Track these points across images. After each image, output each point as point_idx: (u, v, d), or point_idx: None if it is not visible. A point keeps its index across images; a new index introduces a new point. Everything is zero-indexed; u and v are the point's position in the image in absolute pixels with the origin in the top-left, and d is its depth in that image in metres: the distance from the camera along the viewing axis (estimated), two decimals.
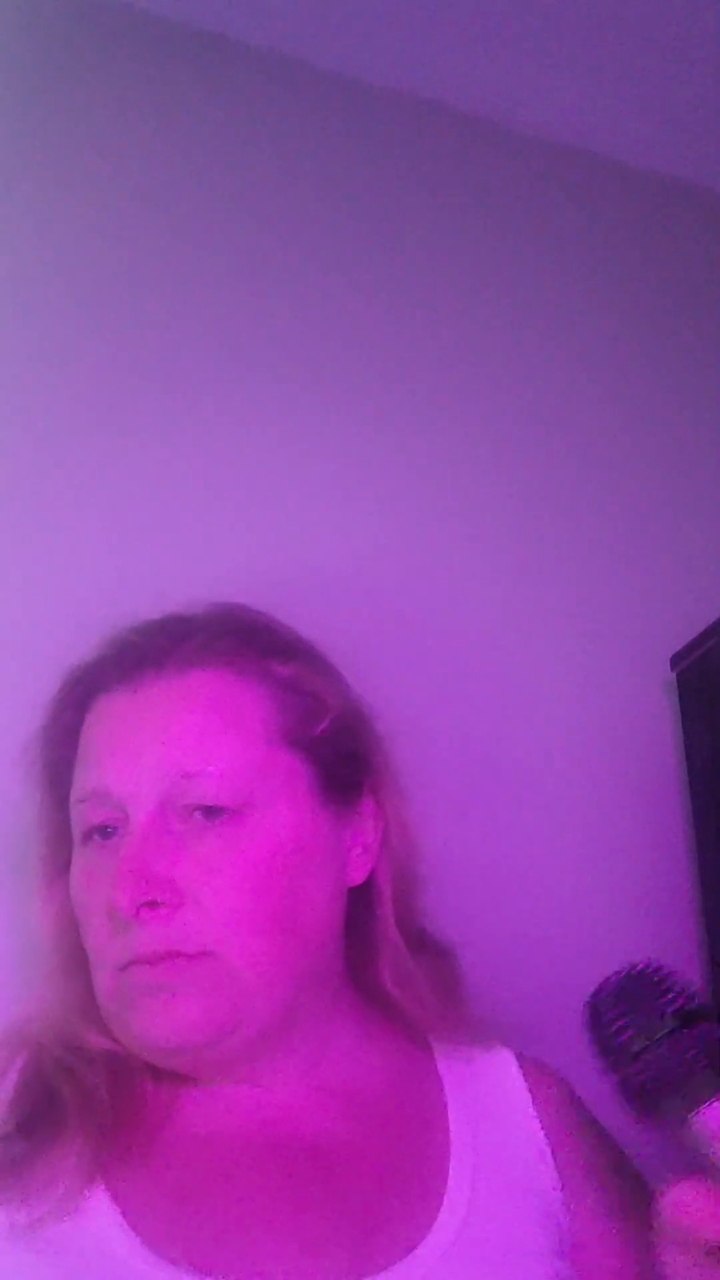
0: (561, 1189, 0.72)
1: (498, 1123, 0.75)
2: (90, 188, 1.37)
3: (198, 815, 0.73)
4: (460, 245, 1.55)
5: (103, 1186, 0.67)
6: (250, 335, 1.39)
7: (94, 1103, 0.71)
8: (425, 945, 0.84)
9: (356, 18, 1.50)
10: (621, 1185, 0.70)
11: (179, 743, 0.74)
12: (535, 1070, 0.80)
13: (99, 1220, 0.66)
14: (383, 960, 0.80)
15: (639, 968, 0.61)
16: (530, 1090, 0.77)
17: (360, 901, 0.81)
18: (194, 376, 1.34)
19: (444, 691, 1.30)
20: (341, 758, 0.79)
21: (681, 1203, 0.50)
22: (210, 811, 0.73)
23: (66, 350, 1.29)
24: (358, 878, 0.79)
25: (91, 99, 1.41)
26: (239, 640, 0.79)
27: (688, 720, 1.34)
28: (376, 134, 1.57)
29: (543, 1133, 0.75)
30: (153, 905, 0.70)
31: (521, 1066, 0.79)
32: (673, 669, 1.37)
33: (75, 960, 0.77)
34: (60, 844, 0.80)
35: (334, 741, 0.79)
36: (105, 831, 0.75)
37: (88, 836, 0.76)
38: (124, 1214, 0.66)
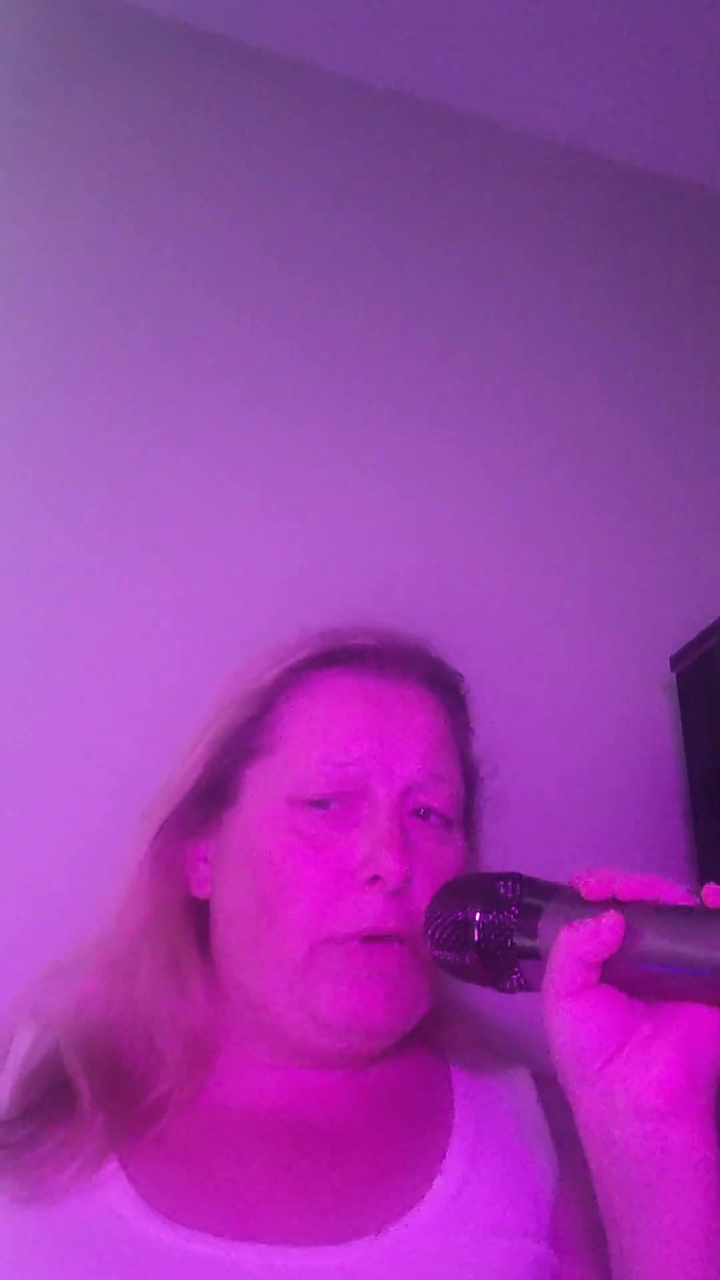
0: (556, 1195, 0.74)
1: (504, 1124, 0.77)
2: (90, 187, 1.37)
3: (418, 816, 0.78)
4: (460, 244, 1.55)
5: (114, 1157, 0.70)
6: (248, 335, 1.39)
7: (117, 1080, 0.73)
8: None
9: (357, 18, 1.50)
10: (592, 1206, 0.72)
11: (433, 745, 0.79)
12: (550, 1085, 0.81)
13: (109, 1188, 0.68)
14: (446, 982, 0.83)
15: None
16: (542, 1102, 0.79)
17: None
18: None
19: None
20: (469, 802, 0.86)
21: (568, 939, 0.59)
22: (427, 814, 0.78)
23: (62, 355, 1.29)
24: None
25: (91, 99, 1.41)
26: (456, 679, 0.87)
27: (688, 720, 1.34)
28: (377, 134, 1.57)
29: (552, 1142, 0.76)
30: (405, 883, 0.73)
31: (537, 1082, 0.81)
32: (673, 669, 1.37)
33: (172, 919, 0.79)
34: (203, 804, 0.81)
35: (471, 786, 0.86)
36: (324, 803, 0.76)
37: (305, 802, 0.77)
38: (133, 1181, 0.69)
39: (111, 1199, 0.68)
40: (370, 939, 0.73)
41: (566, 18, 1.51)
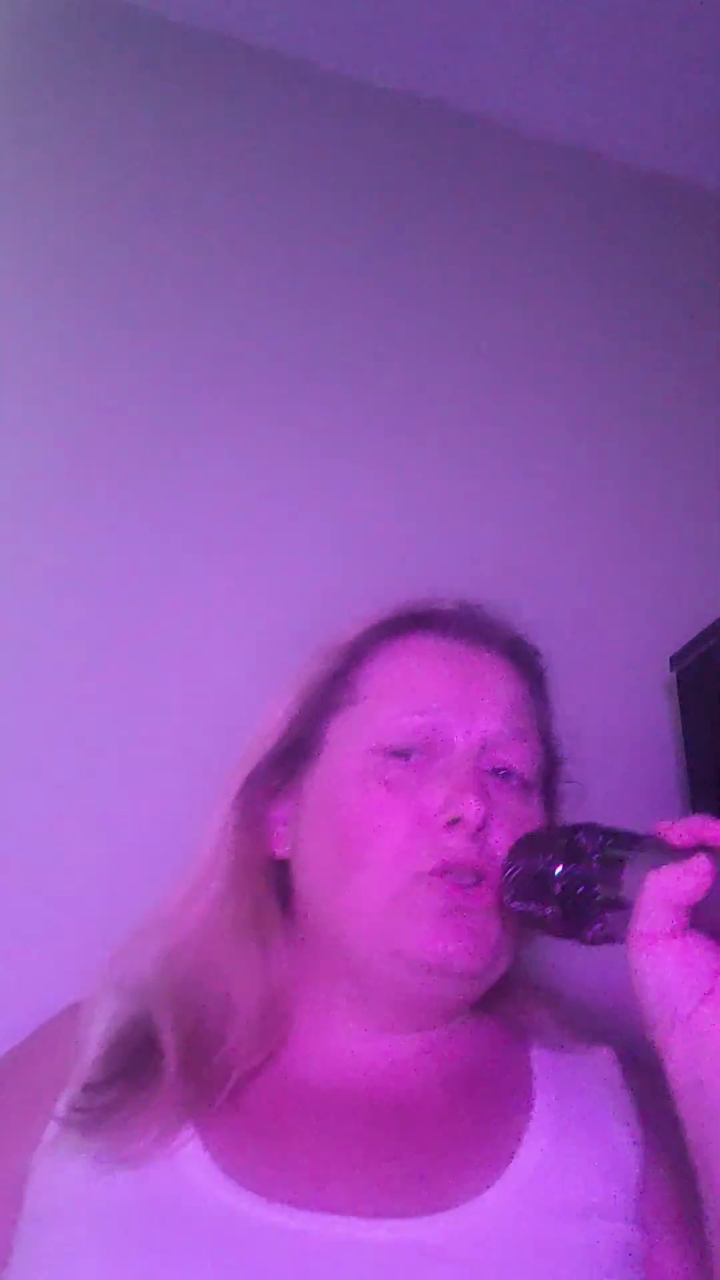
0: (643, 1174, 0.73)
1: (588, 1103, 0.77)
2: (89, 187, 1.37)
3: (496, 775, 0.80)
4: (460, 244, 1.56)
5: (191, 1125, 0.71)
6: (249, 332, 1.39)
7: (197, 1039, 0.74)
8: None
9: (356, 18, 1.50)
10: (687, 1188, 0.71)
11: (514, 707, 0.83)
12: (634, 1064, 0.81)
13: (186, 1155, 0.69)
14: (524, 955, 0.85)
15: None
16: (627, 1081, 0.79)
17: None
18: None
19: None
20: (549, 776, 0.89)
21: (657, 883, 0.61)
22: (507, 775, 0.80)
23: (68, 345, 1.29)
24: None
25: (92, 99, 1.41)
26: (535, 654, 0.91)
27: (688, 720, 1.34)
28: (377, 134, 1.57)
29: (636, 1120, 0.76)
30: (483, 826, 0.75)
31: (621, 1061, 0.81)
32: (673, 669, 1.37)
33: (255, 877, 0.81)
34: (285, 761, 0.83)
35: (550, 763, 0.89)
36: (405, 753, 0.79)
37: (386, 751, 0.79)
38: (209, 1148, 0.70)
39: (187, 1166, 0.69)
40: (454, 873, 0.75)
41: (566, 18, 1.51)
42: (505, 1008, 0.83)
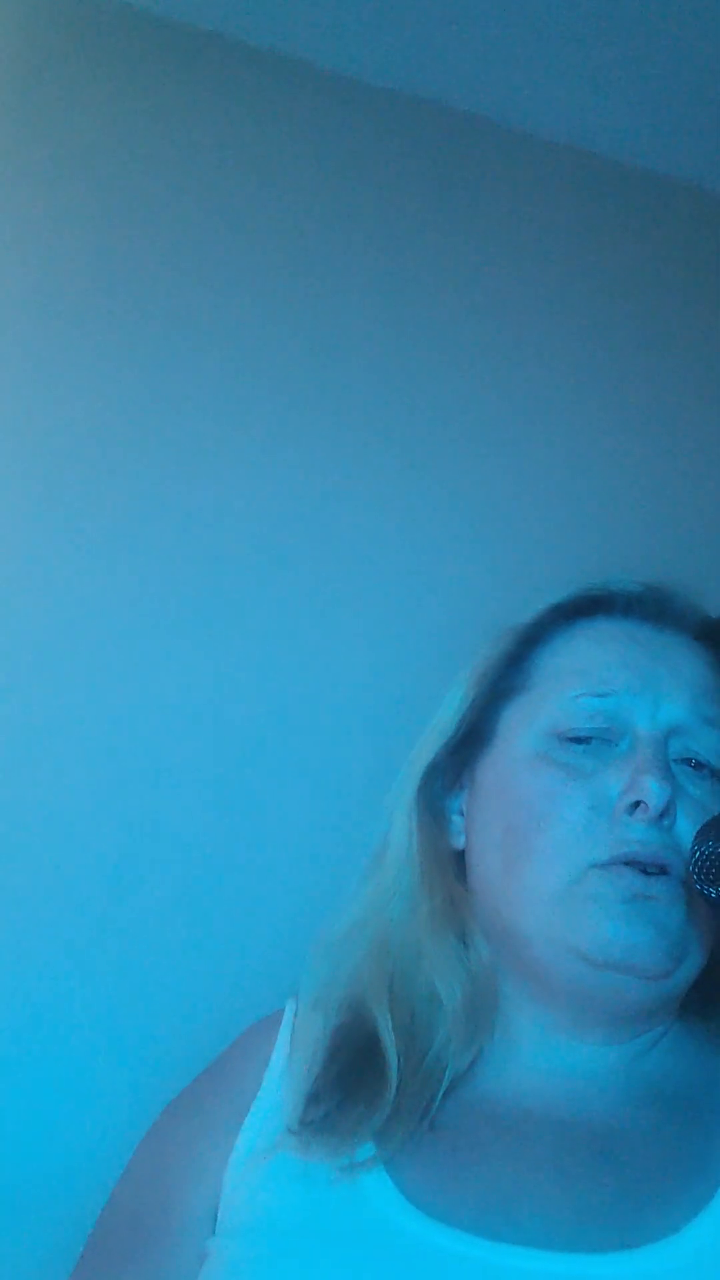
0: None
1: None
2: (89, 187, 1.37)
3: (684, 764, 0.74)
4: (460, 244, 1.55)
5: (373, 1145, 0.68)
6: (247, 332, 1.39)
7: (412, 1046, 0.71)
8: None
9: (356, 18, 1.50)
10: None
11: (703, 691, 0.76)
12: None
13: (368, 1176, 0.67)
14: None
15: None
16: None
17: None
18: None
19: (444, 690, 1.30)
20: None
21: None
22: (698, 765, 0.74)
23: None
24: None
25: (91, 98, 1.41)
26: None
27: None
28: (376, 134, 1.57)
29: None
30: (666, 812, 0.70)
31: None
32: None
33: (445, 867, 0.77)
34: (461, 749, 0.79)
35: None
36: (584, 739, 0.74)
37: (564, 738, 0.75)
38: (390, 1169, 0.67)
39: (370, 1188, 0.66)
40: (634, 865, 0.70)
41: (566, 18, 1.50)
42: (708, 1014, 0.77)
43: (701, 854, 0.65)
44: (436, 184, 1.57)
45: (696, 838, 0.67)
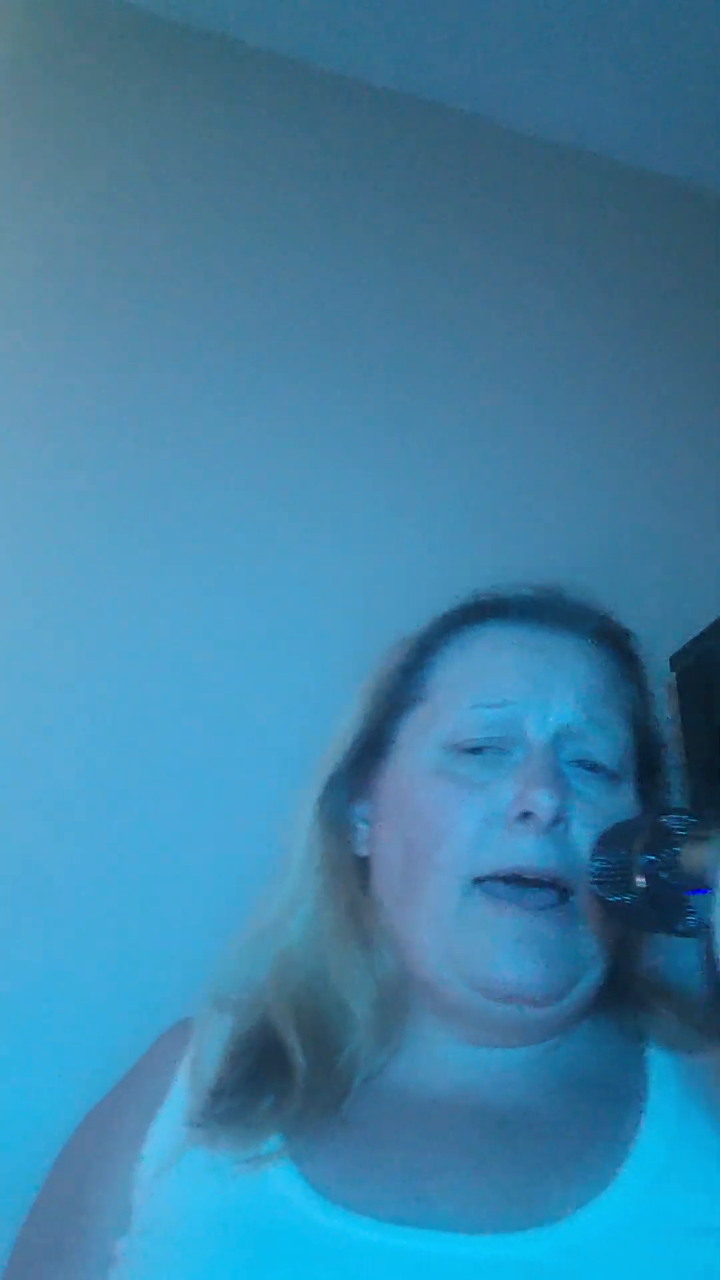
0: None
1: (713, 1110, 0.71)
2: (89, 188, 1.37)
3: (578, 766, 0.75)
4: (460, 244, 1.55)
5: (281, 1137, 0.68)
6: (247, 332, 1.39)
7: (320, 1052, 0.72)
8: None
9: (356, 18, 1.50)
10: None
11: (592, 692, 0.77)
12: None
13: (275, 1171, 0.67)
14: (643, 953, 0.80)
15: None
16: None
17: None
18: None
19: None
20: (649, 763, 0.82)
21: None
22: (593, 767, 0.75)
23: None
24: None
25: (91, 98, 1.41)
26: (624, 636, 0.84)
27: (687, 721, 1.34)
28: (377, 134, 1.57)
29: None
30: (557, 821, 0.70)
31: None
32: (672, 669, 1.37)
33: (348, 877, 0.78)
34: (362, 760, 0.80)
35: (650, 748, 0.83)
36: (477, 749, 0.75)
37: (458, 748, 0.75)
38: (296, 1161, 0.67)
39: (276, 1181, 0.66)
40: (523, 881, 0.70)
41: (566, 18, 1.50)
42: (619, 1006, 0.78)
43: (601, 866, 0.66)
44: (437, 184, 1.58)
45: (595, 849, 0.67)
